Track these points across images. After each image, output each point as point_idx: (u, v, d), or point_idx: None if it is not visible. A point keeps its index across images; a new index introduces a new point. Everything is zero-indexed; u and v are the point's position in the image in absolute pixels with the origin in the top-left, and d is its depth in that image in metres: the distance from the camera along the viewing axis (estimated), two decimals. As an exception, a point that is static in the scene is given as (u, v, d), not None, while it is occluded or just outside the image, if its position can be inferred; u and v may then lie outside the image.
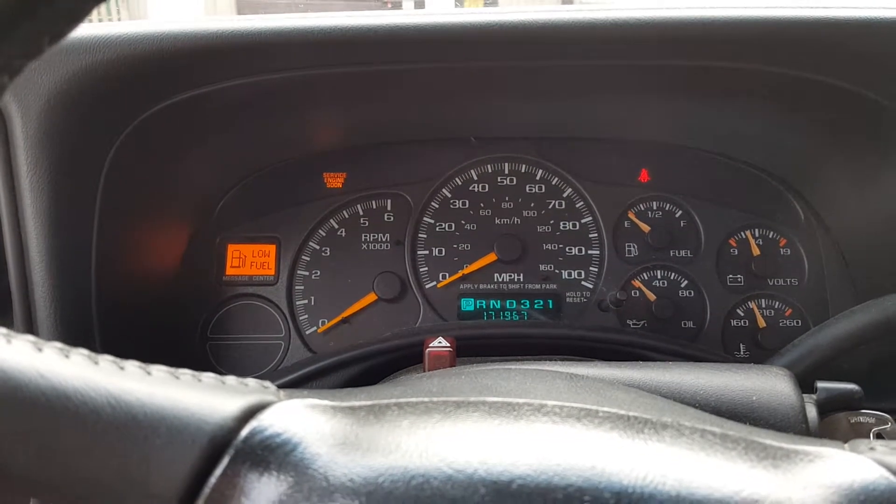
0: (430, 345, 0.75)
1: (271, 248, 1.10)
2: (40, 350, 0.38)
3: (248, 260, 1.10)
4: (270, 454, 0.37)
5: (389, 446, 0.37)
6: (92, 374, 0.38)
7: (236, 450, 0.36)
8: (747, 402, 0.58)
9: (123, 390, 0.38)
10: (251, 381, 0.43)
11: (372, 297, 1.09)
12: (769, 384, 0.60)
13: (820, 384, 0.65)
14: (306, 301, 1.10)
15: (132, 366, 0.41)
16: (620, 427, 0.39)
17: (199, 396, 0.39)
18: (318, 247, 1.11)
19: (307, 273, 1.10)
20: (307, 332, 1.09)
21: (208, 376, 0.43)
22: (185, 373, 0.42)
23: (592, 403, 0.42)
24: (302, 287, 1.10)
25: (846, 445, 0.42)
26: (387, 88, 0.95)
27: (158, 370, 0.41)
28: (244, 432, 0.37)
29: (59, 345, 0.41)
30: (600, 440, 0.38)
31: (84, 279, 0.82)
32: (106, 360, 0.40)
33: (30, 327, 0.78)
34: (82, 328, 0.82)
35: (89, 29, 0.77)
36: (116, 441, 0.36)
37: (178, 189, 1.01)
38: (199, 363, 1.05)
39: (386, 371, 0.92)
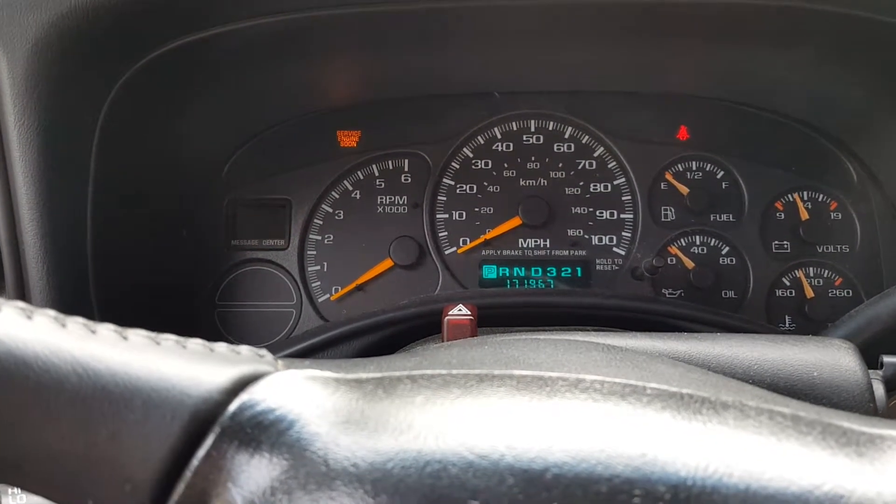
0: (450, 312, 0.72)
1: (282, 211, 1.07)
2: (-1, 310, 0.34)
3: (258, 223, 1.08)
4: (262, 433, 0.33)
5: (400, 426, 0.33)
6: (57, 338, 0.35)
7: (223, 427, 0.33)
8: (808, 378, 0.53)
9: (93, 357, 0.35)
10: (244, 349, 0.40)
11: (388, 264, 1.06)
12: (831, 358, 0.55)
13: (886, 358, 0.60)
14: (319, 267, 1.07)
15: (106, 329, 0.38)
16: (673, 407, 0.35)
17: (181, 365, 0.36)
18: (331, 210, 1.08)
19: (320, 237, 1.08)
20: (320, 300, 1.06)
21: (194, 342, 0.39)
22: (168, 338, 0.38)
23: (637, 379, 0.38)
24: (314, 252, 1.07)
25: None
26: (402, 35, 0.90)
27: (136, 334, 0.38)
28: (232, 407, 0.34)
29: (21, 304, 0.37)
30: (651, 422, 0.34)
31: (79, 242, 0.79)
32: (75, 323, 0.37)
33: (21, 293, 0.74)
34: (78, 293, 0.79)
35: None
36: (83, 415, 0.33)
37: (183, 145, 0.98)
38: (208, 331, 1.04)
39: (402, 341, 0.90)
